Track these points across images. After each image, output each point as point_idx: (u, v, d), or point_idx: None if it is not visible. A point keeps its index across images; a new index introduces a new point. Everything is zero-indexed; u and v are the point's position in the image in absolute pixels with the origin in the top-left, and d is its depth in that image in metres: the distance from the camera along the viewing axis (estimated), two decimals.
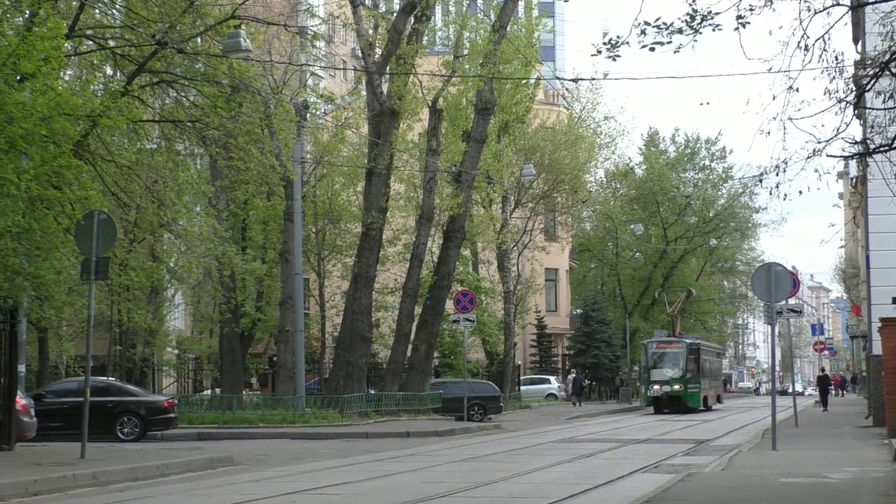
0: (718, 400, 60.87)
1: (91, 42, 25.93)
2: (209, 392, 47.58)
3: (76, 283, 26.51)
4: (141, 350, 42.44)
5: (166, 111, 27.03)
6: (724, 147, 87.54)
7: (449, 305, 44.11)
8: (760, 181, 14.59)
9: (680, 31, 12.68)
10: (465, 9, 50.70)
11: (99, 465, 19.65)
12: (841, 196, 73.86)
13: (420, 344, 41.83)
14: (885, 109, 14.28)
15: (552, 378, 69.70)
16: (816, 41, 12.94)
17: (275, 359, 42.15)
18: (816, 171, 14.07)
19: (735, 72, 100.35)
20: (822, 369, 70.52)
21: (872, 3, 15.69)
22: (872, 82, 13.75)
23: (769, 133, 13.93)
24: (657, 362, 54.11)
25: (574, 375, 64.40)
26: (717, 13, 12.66)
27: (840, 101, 13.52)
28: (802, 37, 12.83)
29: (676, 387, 52.43)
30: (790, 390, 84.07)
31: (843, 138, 14.11)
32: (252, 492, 17.20)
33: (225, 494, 17.33)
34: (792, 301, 34.31)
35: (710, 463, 22.17)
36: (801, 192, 14.71)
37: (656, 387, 53.18)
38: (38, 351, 37.04)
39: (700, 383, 53.56)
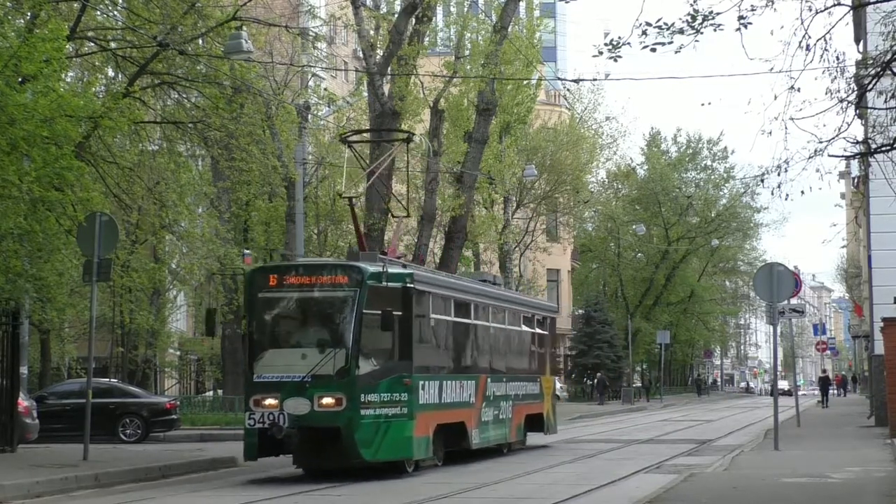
0: (547, 425, 28.04)
1: (92, 43, 25.93)
2: (211, 393, 47.59)
3: (78, 284, 26.57)
4: (143, 351, 42.46)
5: (168, 112, 27.03)
6: (725, 147, 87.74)
7: None
8: (762, 181, 14.61)
9: (681, 31, 12.69)
10: (466, 9, 50.62)
11: (101, 467, 19.66)
12: (843, 196, 73.81)
13: None
14: (886, 109, 14.28)
15: (554, 379, 69.63)
16: (818, 41, 12.95)
17: None
18: (818, 170, 14.08)
19: (737, 72, 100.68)
20: (824, 370, 72.31)
21: (874, 2, 15.70)
22: (874, 82, 13.75)
23: (771, 133, 13.95)
24: (279, 335, 20.94)
25: (600, 376, 68.09)
26: (718, 13, 12.68)
27: (841, 100, 13.52)
28: (804, 37, 12.84)
29: (329, 401, 19.20)
30: (786, 388, 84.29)
31: (844, 138, 14.13)
32: (254, 493, 17.20)
33: (227, 496, 17.34)
34: (794, 301, 34.26)
35: (712, 463, 22.16)
36: (802, 192, 14.71)
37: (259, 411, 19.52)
38: (40, 352, 37.03)
39: (411, 403, 20.16)
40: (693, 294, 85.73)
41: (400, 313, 19.71)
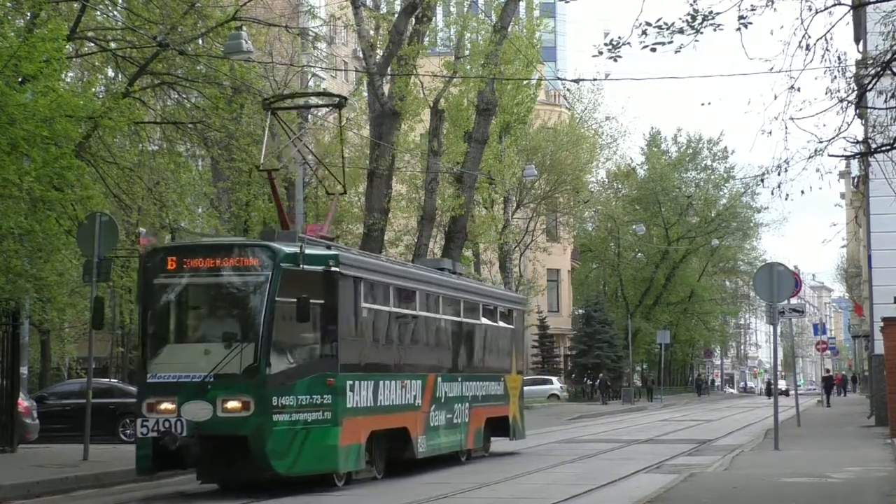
0: (513, 430, 25.57)
1: (92, 44, 25.93)
2: None
3: (78, 284, 26.54)
4: None
5: (168, 113, 27.03)
6: (725, 147, 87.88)
7: None
8: (762, 181, 14.61)
9: (681, 31, 12.69)
10: (466, 9, 50.64)
11: (101, 467, 19.65)
12: (843, 195, 73.84)
13: None
14: (886, 109, 14.28)
15: (554, 379, 69.71)
16: (818, 41, 12.94)
17: None
18: (818, 170, 14.07)
19: (737, 72, 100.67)
20: (827, 370, 73.17)
21: (874, 2, 15.70)
22: (874, 82, 13.74)
23: (771, 133, 13.95)
24: (177, 327, 18.11)
25: (602, 377, 68.08)
26: (718, 13, 12.68)
27: (842, 100, 13.51)
28: (804, 36, 12.84)
29: (234, 405, 16.59)
30: (783, 387, 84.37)
31: (844, 138, 14.12)
32: (255, 493, 17.19)
33: (228, 496, 17.32)
34: (794, 301, 34.25)
35: (712, 463, 22.15)
36: (802, 192, 14.71)
37: (153, 418, 16.85)
38: (40, 353, 37.04)
39: (336, 407, 17.61)
40: (693, 294, 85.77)
41: (322, 301, 17.24)
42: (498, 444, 25.63)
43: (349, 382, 17.89)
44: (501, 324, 25.48)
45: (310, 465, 17.16)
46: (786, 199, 14.89)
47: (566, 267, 79.98)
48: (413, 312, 20.92)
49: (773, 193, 14.53)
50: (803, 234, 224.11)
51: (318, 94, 24.37)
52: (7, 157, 20.28)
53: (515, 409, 25.88)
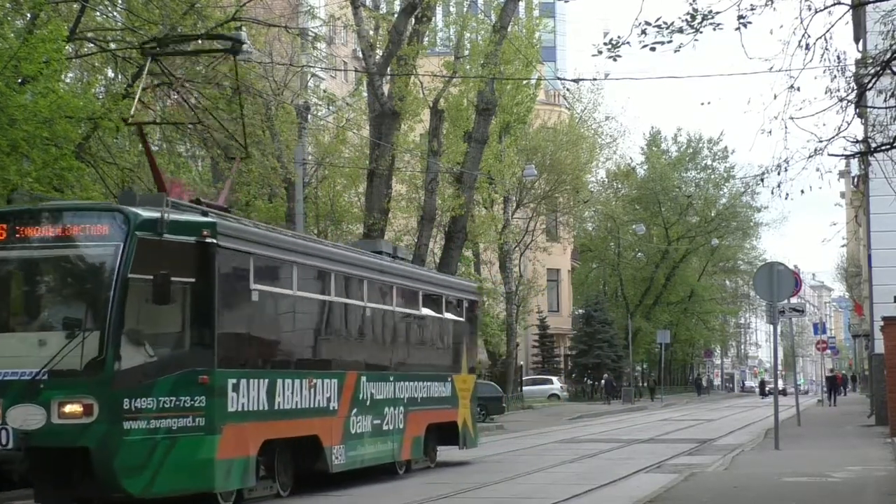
0: (464, 437, 22.81)
1: (92, 44, 25.93)
2: None
3: None
4: None
5: (167, 113, 27.03)
6: (725, 147, 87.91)
7: None
8: (762, 180, 14.62)
9: (681, 30, 12.69)
10: (465, 9, 50.66)
11: None
12: (842, 195, 73.88)
13: None
14: (886, 108, 14.29)
15: (554, 378, 69.78)
16: (817, 40, 12.94)
17: None
18: (818, 169, 14.08)
19: (736, 71, 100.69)
20: (832, 370, 74.08)
21: (873, 1, 15.70)
22: (873, 81, 13.75)
23: (771, 132, 13.96)
24: (4, 312, 14.68)
25: (606, 377, 68.02)
26: (717, 12, 12.69)
27: (841, 99, 13.52)
28: (803, 36, 12.84)
29: (74, 409, 13.51)
30: (780, 386, 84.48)
31: (844, 137, 14.13)
32: None
33: None
34: (794, 300, 34.27)
35: (713, 463, 22.16)
36: (802, 192, 14.72)
37: None
38: None
39: (211, 411, 14.57)
40: (693, 293, 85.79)
41: (193, 280, 14.09)
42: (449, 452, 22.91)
43: (231, 381, 14.61)
44: (449, 315, 22.44)
45: (175, 483, 13.85)
46: (786, 198, 14.91)
47: (566, 267, 79.99)
48: (326, 298, 17.47)
49: (772, 193, 14.55)
50: (803, 233, 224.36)
51: (209, 37, 21.01)
52: (7, 158, 20.27)
53: (466, 414, 22.83)
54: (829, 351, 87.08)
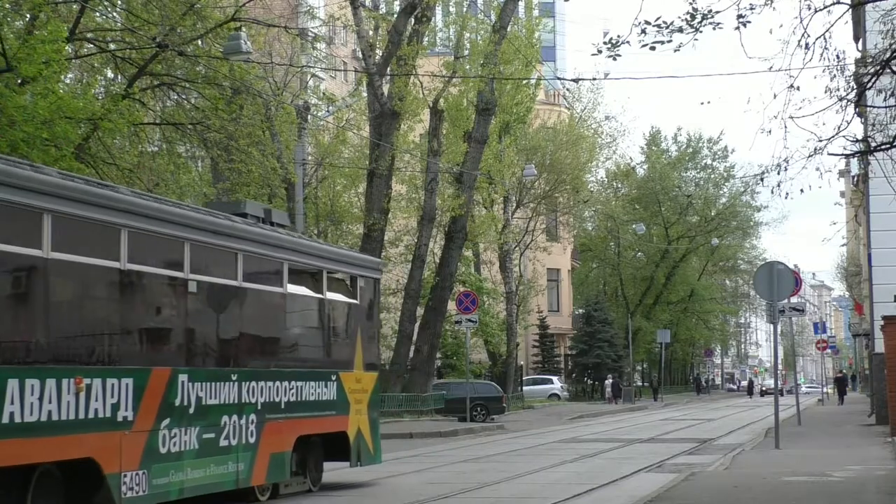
0: (357, 451, 18.14)
1: (92, 45, 25.94)
2: None
3: None
4: None
5: (167, 114, 27.04)
6: (725, 146, 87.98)
7: (451, 306, 44.09)
8: (762, 180, 14.61)
9: (680, 29, 12.69)
10: (465, 9, 50.71)
11: None
12: (842, 194, 73.89)
13: (422, 345, 41.84)
14: (886, 107, 14.29)
15: (555, 378, 69.80)
16: (817, 39, 12.94)
17: None
18: (818, 169, 14.07)
19: (736, 71, 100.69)
20: (841, 371, 75.09)
21: (872, 0, 15.69)
22: (873, 80, 13.75)
23: (770, 132, 13.95)
24: None
25: (612, 379, 68.27)
26: (717, 12, 12.68)
27: (841, 99, 13.51)
28: (803, 35, 12.84)
29: None
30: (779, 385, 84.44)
31: (844, 136, 14.13)
32: None
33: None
34: (794, 299, 34.28)
35: (713, 462, 22.15)
36: (802, 191, 14.72)
37: None
38: None
39: None
40: (693, 293, 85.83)
41: None
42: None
43: None
44: (333, 296, 17.65)
45: None
46: (785, 197, 14.92)
47: (566, 267, 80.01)
48: (114, 265, 12.41)
49: (772, 192, 14.55)
50: (803, 232, 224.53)
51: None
52: None
53: (362, 422, 18.32)
54: (829, 350, 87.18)
